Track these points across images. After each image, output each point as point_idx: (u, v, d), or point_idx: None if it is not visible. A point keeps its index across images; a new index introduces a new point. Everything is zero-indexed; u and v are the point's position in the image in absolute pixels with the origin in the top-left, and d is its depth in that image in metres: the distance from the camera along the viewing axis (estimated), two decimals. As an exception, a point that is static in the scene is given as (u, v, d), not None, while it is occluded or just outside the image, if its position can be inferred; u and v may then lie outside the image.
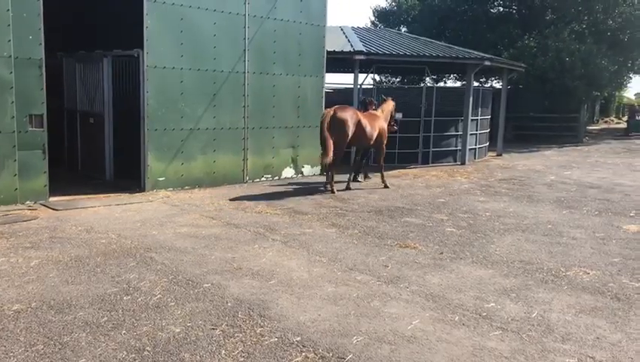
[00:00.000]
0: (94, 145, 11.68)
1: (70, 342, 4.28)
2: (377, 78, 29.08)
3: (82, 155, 12.27)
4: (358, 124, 11.14)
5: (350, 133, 11.01)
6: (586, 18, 28.39)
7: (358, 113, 11.42)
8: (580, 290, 5.75)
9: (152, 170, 10.57)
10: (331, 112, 10.89)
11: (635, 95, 68.33)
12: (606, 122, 46.74)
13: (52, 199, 9.40)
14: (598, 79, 25.96)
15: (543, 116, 25.78)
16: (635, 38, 27.78)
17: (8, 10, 8.68)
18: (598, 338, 4.61)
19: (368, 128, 11.39)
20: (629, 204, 10.56)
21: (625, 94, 57.37)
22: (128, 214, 8.75)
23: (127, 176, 11.18)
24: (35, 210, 8.80)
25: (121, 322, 4.68)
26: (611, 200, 11.01)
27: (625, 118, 44.06)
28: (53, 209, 8.89)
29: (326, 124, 10.74)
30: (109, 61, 11.32)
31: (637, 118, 34.11)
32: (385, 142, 12.10)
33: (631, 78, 39.18)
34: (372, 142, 11.81)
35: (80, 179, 11.56)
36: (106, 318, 4.75)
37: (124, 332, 4.50)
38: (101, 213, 8.79)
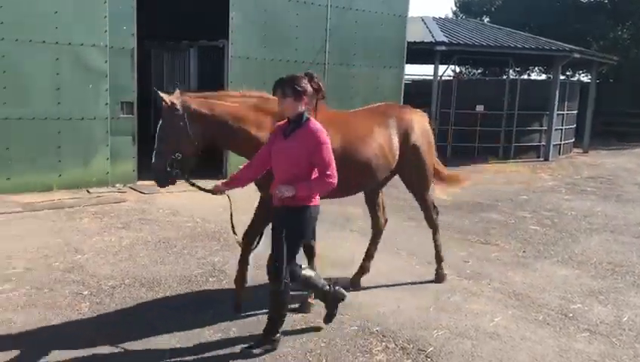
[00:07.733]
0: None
1: (156, 320, 4.50)
2: (458, 69, 28.36)
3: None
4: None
5: None
6: (687, 8, 26.47)
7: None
8: (675, 296, 5.43)
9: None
10: None
11: None
12: None
13: (139, 183, 9.84)
14: (699, 73, 24.19)
15: (636, 112, 24.26)
16: None
17: (105, 2, 9.13)
18: (696, 347, 4.35)
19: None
20: None
21: None
22: (209, 200, 8.99)
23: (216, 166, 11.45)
24: (124, 192, 9.25)
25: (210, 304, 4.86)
26: None
27: None
28: (140, 192, 9.31)
29: None
30: (195, 51, 11.69)
31: None
32: None
33: None
34: None
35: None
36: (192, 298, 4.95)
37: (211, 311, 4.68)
38: (183, 198, 9.11)
